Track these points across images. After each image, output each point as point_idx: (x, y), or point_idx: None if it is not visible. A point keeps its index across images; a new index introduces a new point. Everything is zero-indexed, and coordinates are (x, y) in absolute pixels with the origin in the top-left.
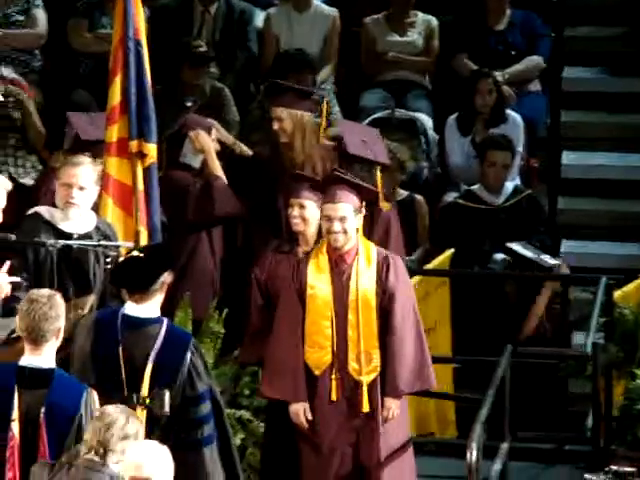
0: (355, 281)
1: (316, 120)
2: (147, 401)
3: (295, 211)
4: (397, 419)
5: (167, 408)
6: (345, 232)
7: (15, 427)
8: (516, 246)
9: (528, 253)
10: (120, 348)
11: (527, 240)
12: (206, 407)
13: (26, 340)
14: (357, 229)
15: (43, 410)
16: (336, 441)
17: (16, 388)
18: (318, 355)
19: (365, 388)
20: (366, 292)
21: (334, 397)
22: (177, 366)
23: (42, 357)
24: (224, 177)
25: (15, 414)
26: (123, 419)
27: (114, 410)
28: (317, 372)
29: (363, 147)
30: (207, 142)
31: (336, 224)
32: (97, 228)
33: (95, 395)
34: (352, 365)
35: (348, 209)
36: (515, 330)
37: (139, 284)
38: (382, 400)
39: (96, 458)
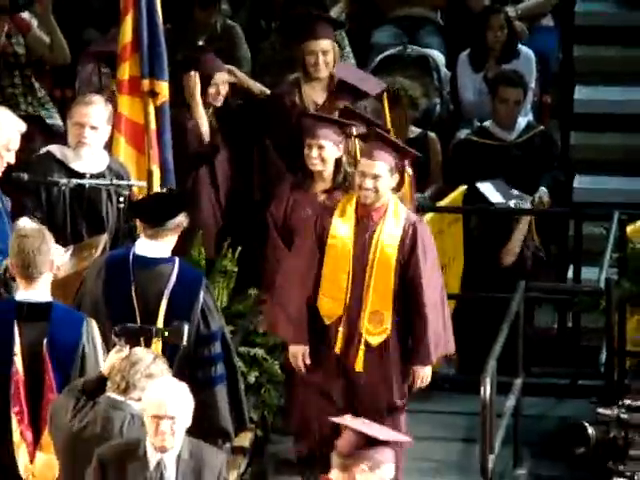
0: (377, 240)
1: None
2: (165, 332)
3: (314, 152)
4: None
5: (185, 340)
6: (377, 191)
7: (18, 362)
8: (484, 187)
9: (494, 196)
10: (133, 287)
11: (505, 179)
12: (218, 346)
13: (20, 276)
14: (391, 188)
15: (45, 342)
16: (331, 388)
17: (15, 323)
18: (330, 306)
19: (362, 348)
20: (387, 253)
21: (337, 349)
22: (191, 304)
23: (38, 291)
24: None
25: (17, 349)
26: (149, 358)
27: (141, 350)
28: (327, 321)
29: (355, 79)
30: (194, 86)
31: (368, 181)
32: (109, 168)
33: (94, 323)
34: (363, 322)
35: (383, 168)
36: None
37: (157, 218)
38: (412, 370)
39: (118, 396)
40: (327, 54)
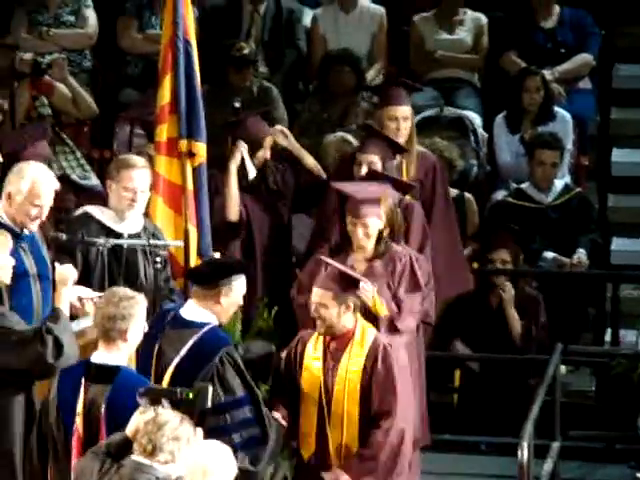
0: (344, 369)
1: None
2: (190, 394)
3: (359, 231)
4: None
5: (209, 403)
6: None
7: (79, 420)
8: None
9: None
10: (157, 345)
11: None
12: (235, 414)
13: (101, 337)
14: (355, 316)
15: (104, 404)
16: None
17: (83, 381)
18: (304, 441)
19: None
20: (352, 382)
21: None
22: (198, 372)
23: (113, 354)
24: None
25: (80, 407)
26: (176, 421)
27: (168, 412)
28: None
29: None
30: (237, 155)
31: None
32: (144, 228)
33: None
34: (332, 457)
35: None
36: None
37: (205, 277)
38: None
39: (144, 460)
40: (408, 120)
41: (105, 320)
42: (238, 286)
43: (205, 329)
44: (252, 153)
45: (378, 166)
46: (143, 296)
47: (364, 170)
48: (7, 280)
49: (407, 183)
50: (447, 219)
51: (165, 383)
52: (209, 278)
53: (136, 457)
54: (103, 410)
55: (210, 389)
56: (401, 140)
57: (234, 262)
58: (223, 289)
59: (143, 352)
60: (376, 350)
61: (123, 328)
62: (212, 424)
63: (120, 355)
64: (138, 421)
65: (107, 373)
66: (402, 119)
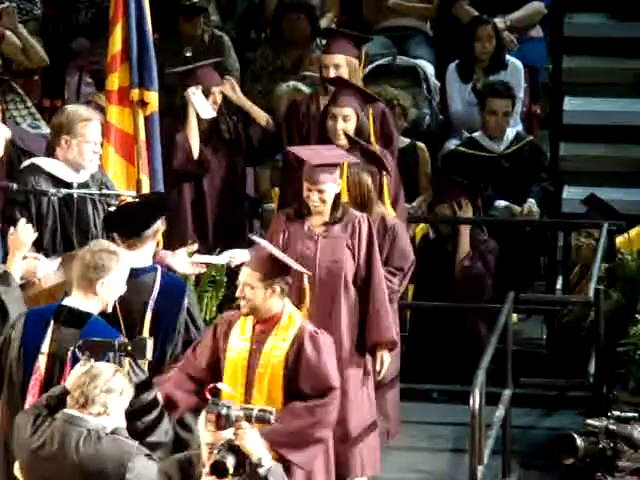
0: (267, 353)
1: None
2: (128, 348)
3: (314, 195)
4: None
5: (149, 355)
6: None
7: (42, 361)
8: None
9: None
10: (116, 299)
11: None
12: None
13: (75, 282)
14: (283, 300)
15: (71, 349)
16: None
17: (52, 323)
18: None
19: None
20: (275, 367)
21: None
22: (176, 313)
23: (83, 300)
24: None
25: (45, 348)
26: (109, 373)
27: (102, 364)
28: None
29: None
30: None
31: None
32: (92, 176)
33: (125, 340)
34: None
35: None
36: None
37: (132, 229)
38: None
39: (76, 412)
40: (339, 68)
41: (82, 267)
42: (159, 226)
43: (159, 271)
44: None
45: (353, 118)
46: (124, 253)
47: (340, 124)
48: None
49: (376, 155)
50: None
51: (146, 329)
52: (133, 232)
53: (68, 410)
54: (70, 353)
55: (149, 342)
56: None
57: (151, 205)
58: (150, 235)
59: None
60: (301, 337)
61: (97, 277)
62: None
63: (93, 303)
64: (76, 374)
65: (78, 318)
66: (333, 67)
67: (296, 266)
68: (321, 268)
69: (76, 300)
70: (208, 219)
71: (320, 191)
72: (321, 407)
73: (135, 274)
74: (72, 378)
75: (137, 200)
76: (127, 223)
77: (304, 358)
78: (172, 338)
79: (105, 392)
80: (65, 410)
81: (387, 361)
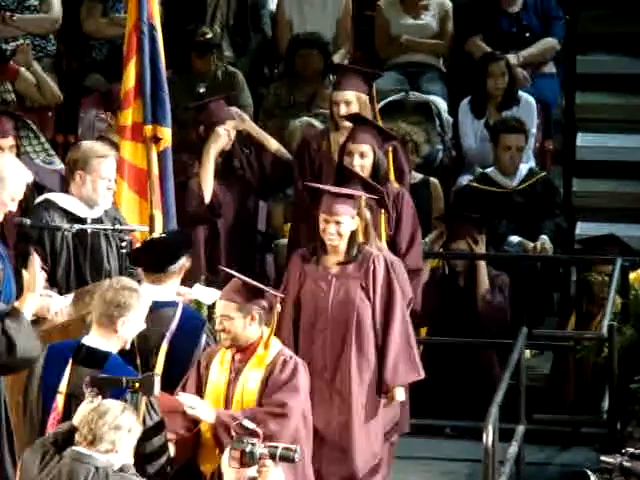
0: (243, 382)
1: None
2: (136, 384)
3: (331, 227)
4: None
5: (157, 391)
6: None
7: (60, 400)
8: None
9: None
10: None
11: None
12: None
13: (97, 320)
14: (260, 327)
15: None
16: None
17: (70, 362)
18: (205, 455)
19: None
20: (250, 394)
21: None
22: (192, 347)
23: (104, 340)
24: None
25: (63, 387)
26: (118, 410)
27: (110, 401)
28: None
29: None
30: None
31: (331, 226)
32: (106, 212)
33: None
34: None
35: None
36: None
37: (158, 265)
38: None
39: (84, 450)
40: (350, 104)
41: (104, 304)
42: (184, 262)
43: (180, 306)
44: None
45: (370, 155)
46: (145, 289)
47: (357, 160)
48: None
49: (376, 187)
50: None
51: (160, 364)
52: (159, 267)
53: (76, 447)
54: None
55: (157, 379)
56: (346, 124)
57: (177, 241)
58: (175, 271)
59: None
60: (275, 363)
61: (119, 316)
62: None
63: (112, 342)
64: (84, 411)
65: (97, 358)
66: (344, 103)
67: (268, 289)
68: (333, 309)
69: (95, 339)
70: (221, 254)
71: (337, 223)
72: (277, 416)
73: (156, 307)
74: (80, 415)
75: (163, 236)
76: (153, 258)
77: (271, 378)
78: (186, 372)
79: (114, 429)
80: (73, 447)
81: (399, 400)
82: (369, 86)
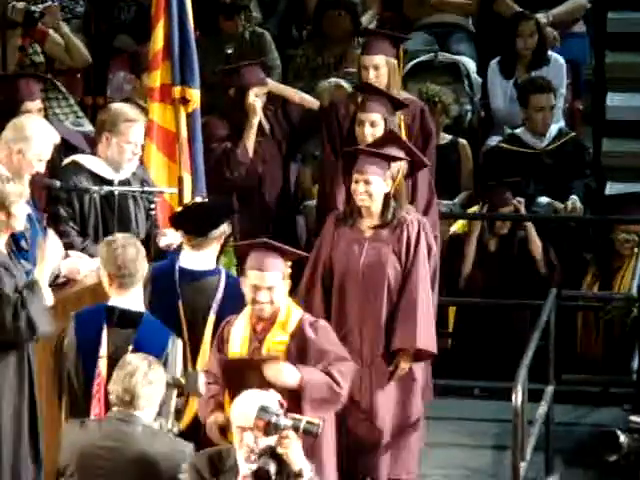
0: (267, 350)
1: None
2: (181, 381)
3: (361, 186)
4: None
5: (202, 389)
6: (272, 302)
7: (103, 364)
8: None
9: None
10: (180, 301)
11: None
12: None
13: (115, 283)
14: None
15: (130, 349)
16: None
17: (105, 327)
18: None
19: None
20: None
21: None
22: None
23: (131, 299)
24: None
25: (103, 351)
26: (145, 366)
27: (135, 358)
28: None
29: None
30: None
31: (263, 293)
32: (133, 174)
33: (179, 342)
34: None
35: (275, 277)
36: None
37: (200, 229)
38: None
39: (126, 410)
40: (379, 68)
41: (122, 264)
42: (226, 228)
43: (223, 273)
44: (242, 101)
45: (381, 124)
46: (134, 238)
47: (367, 129)
48: (21, 227)
49: (421, 158)
50: (433, 164)
51: (208, 331)
52: (200, 231)
53: (116, 408)
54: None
55: (201, 375)
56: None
57: (220, 206)
58: (216, 237)
59: (162, 310)
60: (301, 327)
61: (135, 272)
62: None
63: (138, 300)
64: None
65: (130, 318)
66: (372, 67)
67: (294, 250)
68: (364, 272)
69: (121, 300)
70: (257, 216)
71: (366, 182)
72: (338, 373)
73: (199, 276)
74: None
75: (205, 201)
76: (195, 223)
77: (309, 343)
78: None
79: (147, 385)
80: (113, 409)
81: (403, 370)
82: (397, 49)
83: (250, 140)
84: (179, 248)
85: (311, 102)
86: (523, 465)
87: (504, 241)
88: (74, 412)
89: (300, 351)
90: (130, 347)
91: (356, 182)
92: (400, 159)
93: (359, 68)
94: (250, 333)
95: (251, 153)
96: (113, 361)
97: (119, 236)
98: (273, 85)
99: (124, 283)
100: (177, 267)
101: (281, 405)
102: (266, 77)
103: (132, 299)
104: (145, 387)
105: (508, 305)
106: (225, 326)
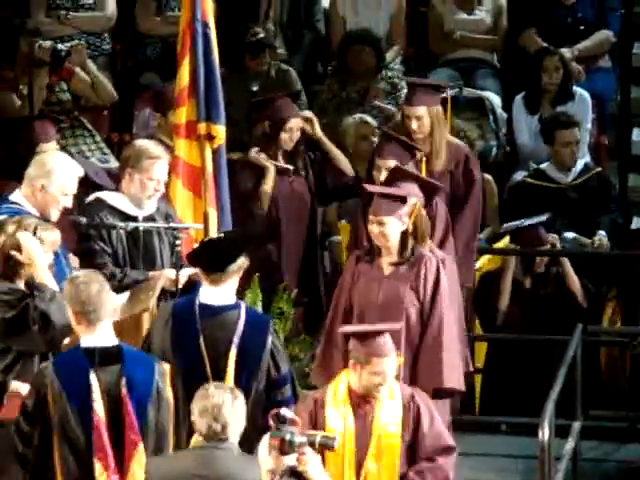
0: (378, 423)
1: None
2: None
3: (374, 228)
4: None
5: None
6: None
7: (99, 408)
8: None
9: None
10: (201, 337)
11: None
12: (289, 389)
13: (81, 322)
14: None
15: (123, 383)
16: None
17: (92, 370)
18: None
19: None
20: (391, 437)
21: None
22: (260, 350)
23: (101, 335)
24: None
25: (97, 395)
26: (229, 395)
27: (217, 390)
28: None
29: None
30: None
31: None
32: (157, 209)
33: (165, 364)
34: None
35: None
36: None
37: (217, 264)
38: None
39: (217, 440)
40: (421, 119)
41: (85, 302)
42: (243, 261)
43: (243, 307)
44: (276, 134)
45: None
46: (97, 274)
47: (383, 175)
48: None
49: (434, 184)
50: (477, 210)
51: (230, 367)
52: (217, 266)
53: (203, 440)
54: (124, 389)
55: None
56: (419, 136)
57: (236, 240)
58: (235, 271)
59: (184, 347)
60: (412, 399)
61: (102, 308)
62: (271, 399)
63: (109, 335)
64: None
65: (112, 354)
66: (415, 118)
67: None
68: (383, 309)
69: (92, 339)
70: (282, 252)
71: (380, 223)
72: (445, 464)
73: (219, 311)
74: (198, 410)
75: (221, 235)
76: (211, 257)
77: (422, 420)
78: (257, 375)
79: (235, 414)
80: (200, 439)
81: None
82: (439, 94)
83: (270, 178)
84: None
85: (349, 170)
86: None
87: (539, 278)
88: (69, 460)
89: (414, 428)
90: (123, 381)
91: (371, 223)
92: (413, 194)
93: (402, 117)
94: (352, 408)
95: (267, 202)
96: (109, 402)
97: (81, 273)
98: (322, 136)
99: (91, 320)
100: (197, 303)
101: (295, 423)
102: (312, 120)
103: (103, 334)
104: (234, 416)
105: (538, 341)
106: (316, 402)
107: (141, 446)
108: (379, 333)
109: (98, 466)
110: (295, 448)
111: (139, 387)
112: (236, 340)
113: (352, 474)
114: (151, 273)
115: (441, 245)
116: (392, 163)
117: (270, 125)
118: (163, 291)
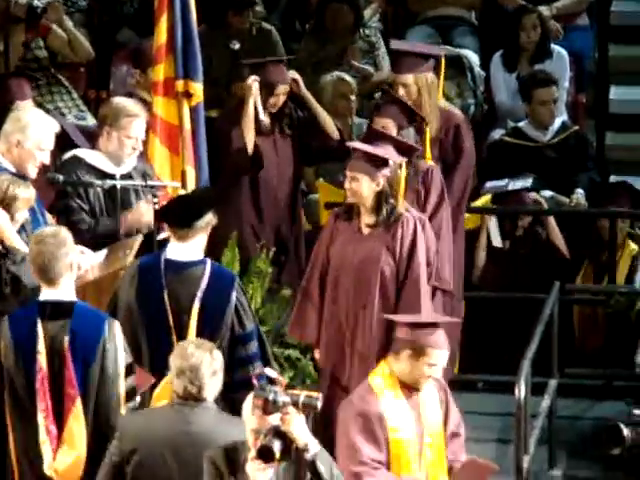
0: (425, 412)
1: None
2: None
3: (346, 183)
4: None
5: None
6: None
7: (42, 359)
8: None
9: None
10: (165, 292)
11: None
12: (255, 345)
13: (40, 279)
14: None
15: (67, 339)
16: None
17: (39, 322)
18: None
19: None
20: (438, 425)
21: None
22: (224, 305)
23: (60, 290)
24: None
25: (41, 347)
26: (208, 357)
27: (196, 350)
28: None
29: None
30: (251, 95)
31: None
32: (135, 167)
33: (117, 324)
34: None
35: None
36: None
37: (184, 220)
38: None
39: (194, 402)
40: (407, 87)
41: (47, 262)
42: (211, 218)
43: (208, 263)
44: (264, 97)
45: (392, 131)
46: (65, 230)
47: None
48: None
49: (409, 145)
50: (464, 179)
51: (193, 321)
52: (184, 222)
53: (180, 401)
54: (67, 344)
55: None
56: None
57: (203, 197)
58: (202, 227)
59: (148, 301)
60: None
61: (69, 263)
62: (235, 355)
63: (70, 291)
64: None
65: (62, 309)
66: (401, 86)
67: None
68: (358, 268)
69: (50, 293)
70: (264, 212)
71: (353, 179)
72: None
73: (184, 267)
74: (176, 368)
75: (189, 192)
76: (179, 214)
77: (449, 399)
78: (220, 330)
79: (212, 376)
80: (179, 402)
81: None
82: (428, 61)
83: (247, 122)
84: None
85: (335, 133)
86: (526, 458)
87: (518, 239)
88: (17, 409)
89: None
90: (66, 337)
91: (346, 179)
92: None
93: (390, 84)
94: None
95: (249, 137)
96: (52, 354)
97: (44, 230)
98: (308, 97)
99: (49, 276)
100: (163, 259)
101: (280, 383)
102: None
103: (63, 290)
104: (211, 378)
105: (515, 299)
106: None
107: (78, 401)
108: (437, 325)
109: (40, 417)
110: (279, 408)
111: (84, 343)
112: (199, 295)
113: (416, 466)
114: (126, 213)
115: (435, 212)
116: (389, 122)
117: (260, 87)
118: (140, 249)
